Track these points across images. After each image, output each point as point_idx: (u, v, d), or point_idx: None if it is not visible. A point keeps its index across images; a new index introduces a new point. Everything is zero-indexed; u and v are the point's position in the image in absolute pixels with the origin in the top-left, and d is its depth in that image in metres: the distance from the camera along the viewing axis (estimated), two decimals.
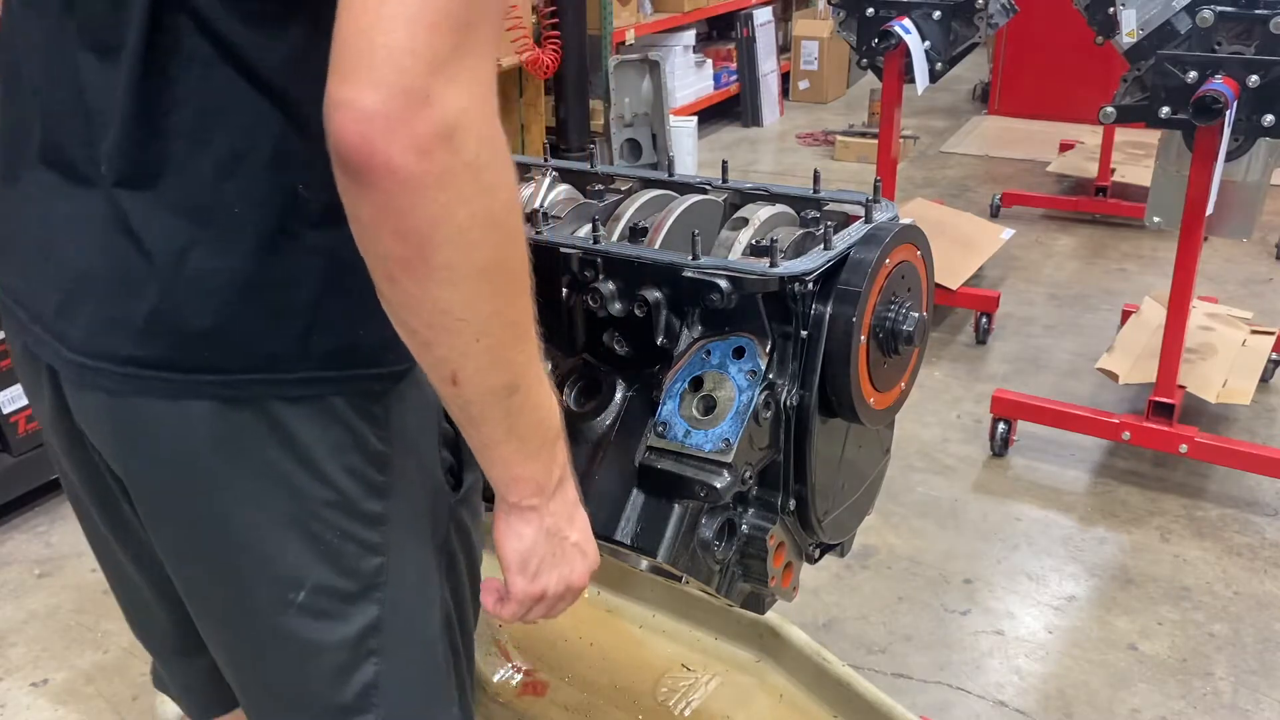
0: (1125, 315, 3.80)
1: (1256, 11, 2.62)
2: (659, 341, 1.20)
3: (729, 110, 7.28)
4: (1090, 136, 5.67)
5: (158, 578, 1.09)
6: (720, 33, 7.34)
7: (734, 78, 7.16)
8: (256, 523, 0.95)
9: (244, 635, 1.03)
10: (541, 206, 1.44)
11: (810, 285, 1.15)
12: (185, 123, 0.87)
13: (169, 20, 0.85)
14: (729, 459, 1.13)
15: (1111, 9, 3.21)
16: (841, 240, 1.21)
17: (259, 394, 0.91)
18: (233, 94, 0.85)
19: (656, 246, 1.30)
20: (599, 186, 1.52)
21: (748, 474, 1.17)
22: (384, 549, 1.00)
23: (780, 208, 1.38)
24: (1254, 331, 3.51)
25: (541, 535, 0.97)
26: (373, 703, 1.03)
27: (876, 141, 3.99)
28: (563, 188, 1.53)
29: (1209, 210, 2.77)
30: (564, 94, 5.15)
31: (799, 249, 1.28)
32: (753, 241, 1.30)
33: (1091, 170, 5.30)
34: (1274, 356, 3.52)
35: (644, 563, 1.24)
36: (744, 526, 1.25)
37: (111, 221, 0.89)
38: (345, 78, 0.74)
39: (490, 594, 1.01)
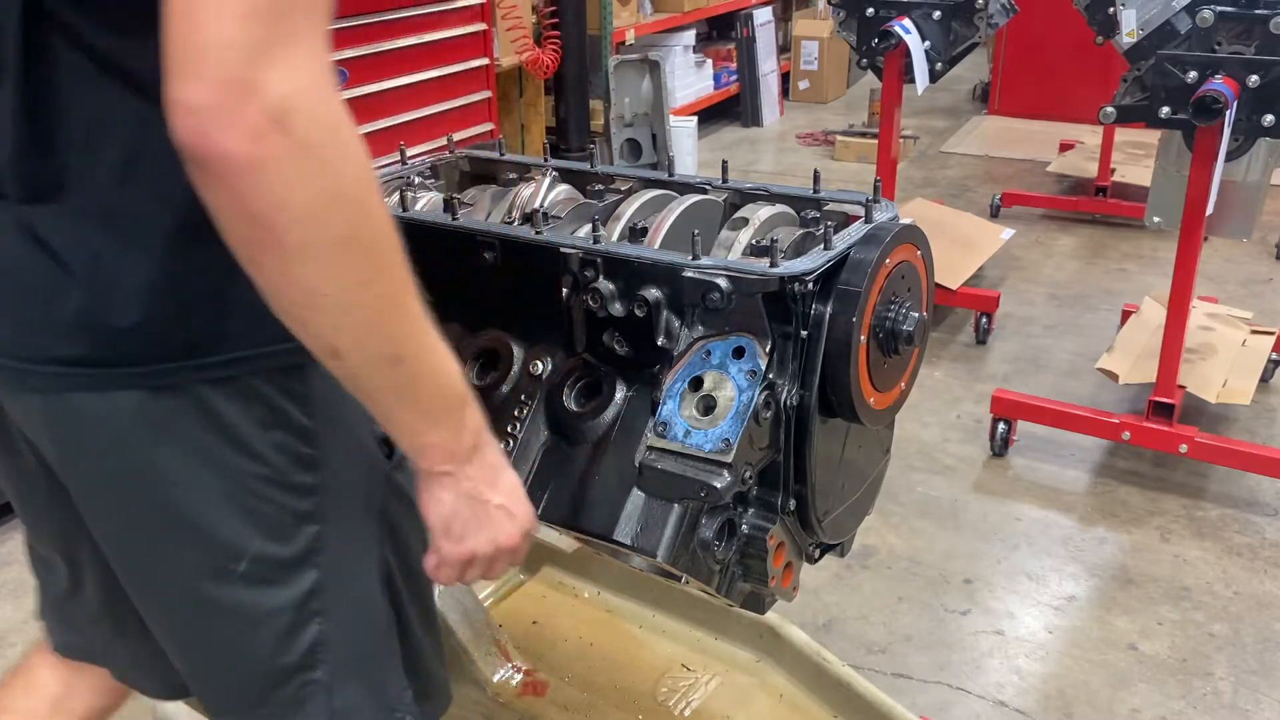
0: (1125, 315, 3.80)
1: (1256, 11, 2.62)
2: (659, 341, 1.20)
3: (729, 110, 7.28)
4: (1090, 136, 5.67)
5: (94, 571, 1.17)
6: (720, 33, 7.34)
7: (734, 78, 7.16)
8: (193, 501, 1.00)
9: (190, 611, 1.07)
10: (541, 206, 1.44)
11: (810, 285, 1.15)
12: (75, 135, 0.91)
13: (44, 40, 0.89)
14: (729, 459, 1.13)
15: (1111, 9, 3.21)
16: (841, 240, 1.21)
17: (183, 380, 0.96)
18: (116, 103, 0.90)
19: (656, 246, 1.30)
20: (599, 186, 1.52)
21: (748, 474, 1.17)
22: (319, 517, 1.06)
23: (780, 208, 1.38)
24: (1254, 331, 3.51)
25: (461, 500, 1.01)
26: (320, 659, 1.09)
27: (876, 141, 3.99)
28: (563, 188, 1.53)
29: (1209, 210, 2.77)
30: (564, 94, 5.15)
31: (799, 249, 1.28)
32: (753, 241, 1.30)
33: (1091, 170, 5.30)
34: (1274, 356, 3.52)
35: (644, 563, 1.24)
36: (744, 526, 1.25)
37: (24, 233, 0.94)
38: (175, 77, 0.78)
39: (429, 558, 1.07)
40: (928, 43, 3.54)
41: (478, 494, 1.02)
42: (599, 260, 1.22)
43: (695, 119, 6.12)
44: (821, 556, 1.37)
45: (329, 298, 0.85)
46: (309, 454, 1.03)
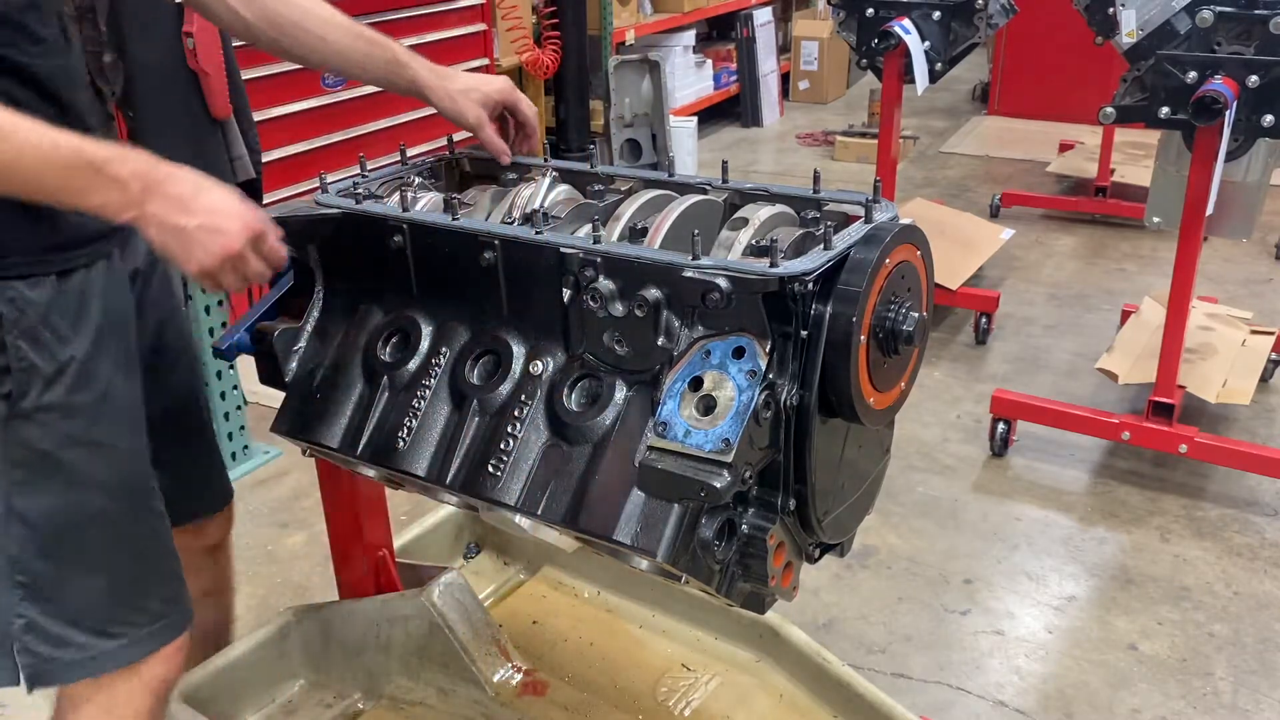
0: (1125, 315, 3.80)
1: (1256, 11, 2.62)
2: (659, 341, 1.20)
3: (729, 110, 7.28)
4: (1090, 136, 5.67)
5: None
6: (720, 33, 7.35)
7: (734, 78, 7.16)
8: None
9: None
10: (541, 207, 1.44)
11: (810, 285, 1.15)
12: None
13: None
14: (729, 459, 1.13)
15: (1111, 9, 3.21)
16: (841, 240, 1.21)
17: None
18: None
19: (656, 247, 1.30)
20: (599, 186, 1.52)
21: (748, 474, 1.17)
22: None
23: (780, 208, 1.38)
24: (1254, 331, 3.51)
25: (164, 233, 1.21)
26: None
27: (876, 141, 3.99)
28: (563, 188, 1.53)
29: (1209, 210, 2.78)
30: (564, 94, 5.15)
31: (799, 249, 1.28)
32: (753, 241, 1.30)
33: (1091, 170, 5.30)
34: (1274, 356, 3.52)
35: (644, 563, 1.24)
36: (744, 526, 1.25)
37: None
38: None
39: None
40: (927, 43, 3.54)
41: (172, 224, 1.20)
42: (599, 260, 1.22)
43: (695, 119, 6.12)
44: (821, 556, 1.37)
45: None
46: None
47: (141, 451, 1.45)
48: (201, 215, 1.21)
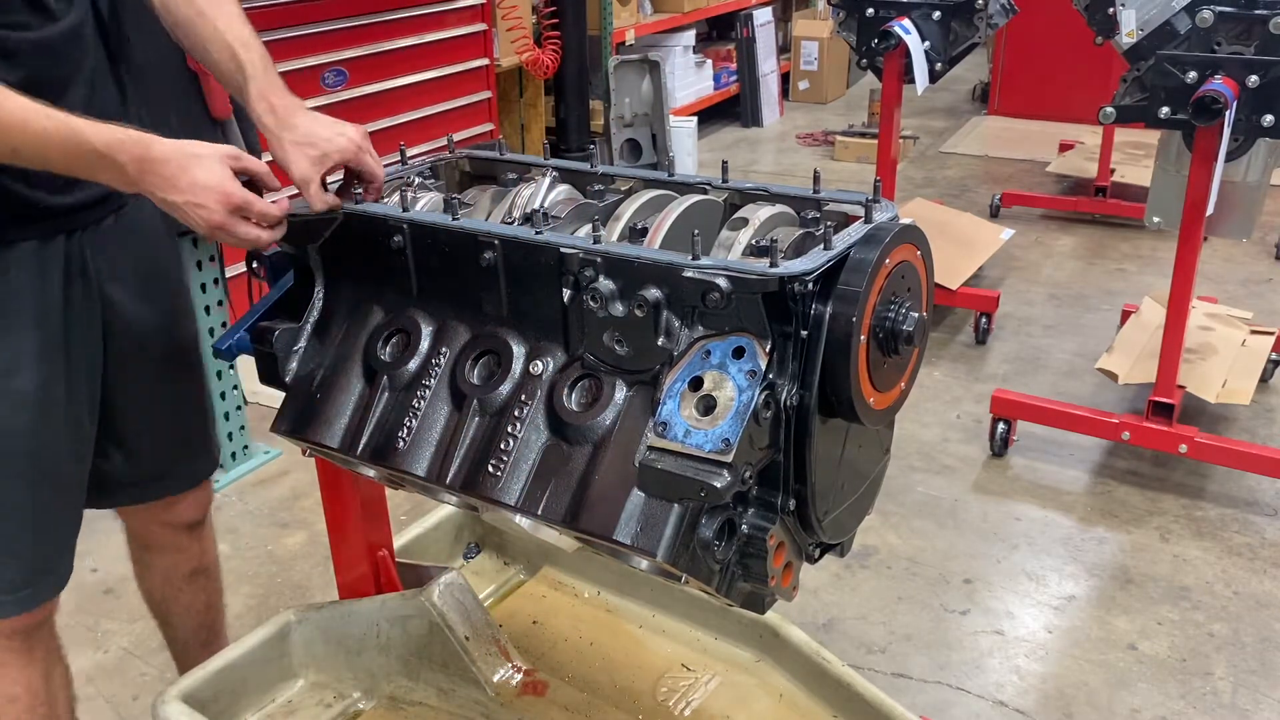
0: (1125, 315, 3.80)
1: (1256, 11, 2.62)
2: (659, 341, 1.20)
3: (729, 110, 7.28)
4: (1090, 136, 5.67)
5: None
6: (720, 33, 7.35)
7: (734, 78, 7.16)
8: None
9: None
10: (541, 207, 1.44)
11: (810, 285, 1.15)
12: None
13: None
14: (729, 459, 1.12)
15: (1111, 9, 3.22)
16: (841, 240, 1.21)
17: None
18: None
19: (656, 247, 1.30)
20: (599, 186, 1.52)
21: (748, 474, 1.17)
22: None
23: (780, 208, 1.38)
24: (1254, 331, 3.51)
25: (163, 206, 1.35)
26: None
27: (876, 141, 3.99)
28: (563, 188, 1.53)
29: (1209, 210, 2.78)
30: (564, 94, 5.15)
31: (799, 249, 1.28)
32: (753, 242, 1.30)
33: (1091, 170, 5.30)
34: (1273, 356, 3.52)
35: (644, 563, 1.24)
36: (744, 526, 1.25)
37: None
38: None
39: None
40: (928, 43, 3.54)
41: (165, 198, 1.34)
42: (599, 260, 1.22)
43: (695, 119, 6.12)
44: (821, 556, 1.37)
45: None
46: None
47: (33, 432, 1.53)
48: (186, 191, 1.33)
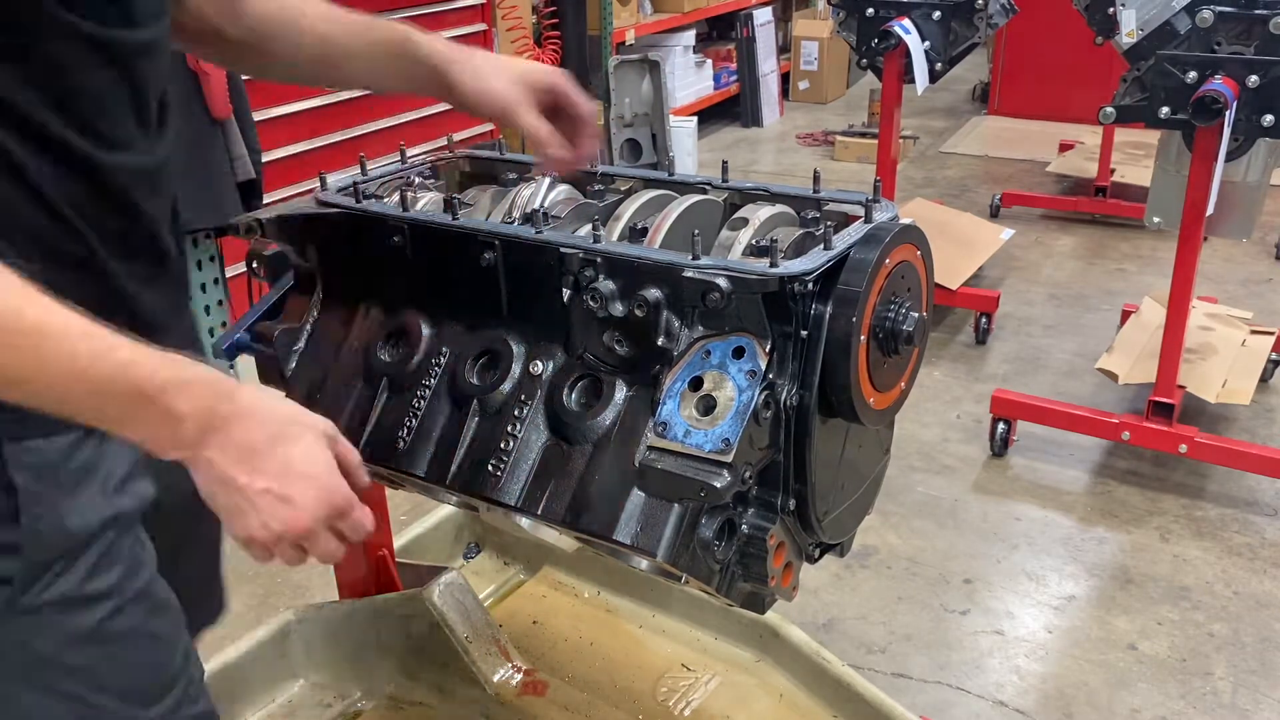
0: (1125, 315, 3.80)
1: (1256, 11, 2.62)
2: (659, 341, 1.20)
3: (729, 110, 7.28)
4: (1090, 136, 5.67)
5: None
6: (720, 33, 7.34)
7: (734, 78, 7.16)
8: None
9: None
10: (541, 206, 1.44)
11: (810, 285, 1.15)
12: None
13: None
14: (729, 459, 1.12)
15: (1111, 9, 3.21)
16: (841, 240, 1.21)
17: None
18: None
19: (656, 246, 1.30)
20: (599, 186, 1.52)
21: (748, 474, 1.17)
22: None
23: (780, 208, 1.38)
24: (1254, 331, 3.51)
25: (213, 484, 0.93)
26: None
27: (876, 141, 3.99)
28: (563, 188, 1.52)
29: (1209, 210, 2.78)
30: None
31: (799, 249, 1.28)
32: (753, 241, 1.30)
33: (1091, 170, 5.30)
34: (1273, 356, 3.52)
35: (644, 563, 1.24)
36: (744, 526, 1.25)
37: None
38: None
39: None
40: (927, 43, 3.54)
41: (228, 478, 0.92)
42: (599, 260, 1.22)
43: (695, 119, 6.12)
44: (821, 556, 1.37)
45: None
46: None
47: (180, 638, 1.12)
48: (272, 477, 0.94)
